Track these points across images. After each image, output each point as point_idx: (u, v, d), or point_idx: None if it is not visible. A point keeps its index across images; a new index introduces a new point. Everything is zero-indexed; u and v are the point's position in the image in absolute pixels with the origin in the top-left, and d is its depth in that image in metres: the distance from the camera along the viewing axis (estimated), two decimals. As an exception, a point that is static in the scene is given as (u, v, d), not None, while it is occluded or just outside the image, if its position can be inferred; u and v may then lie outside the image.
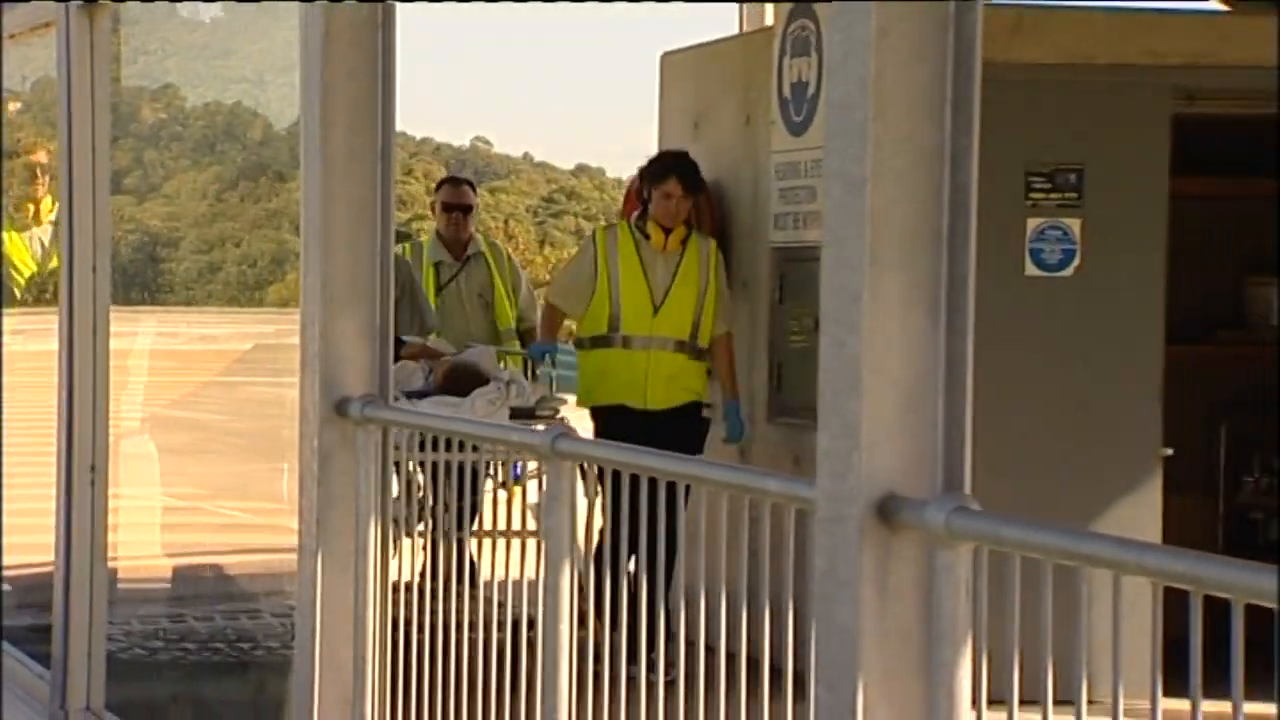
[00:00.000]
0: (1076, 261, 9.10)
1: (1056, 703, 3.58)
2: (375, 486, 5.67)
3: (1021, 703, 3.65)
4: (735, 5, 11.93)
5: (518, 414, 9.17)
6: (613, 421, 9.46)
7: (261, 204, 9.07)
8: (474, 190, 11.10)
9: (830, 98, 3.88)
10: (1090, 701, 3.57)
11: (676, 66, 10.91)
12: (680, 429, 9.32)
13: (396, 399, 7.19)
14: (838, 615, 3.76)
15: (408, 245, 11.17)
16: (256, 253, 9.12)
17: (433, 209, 10.85)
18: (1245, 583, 2.99)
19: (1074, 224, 9.21)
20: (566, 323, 10.76)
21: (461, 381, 9.36)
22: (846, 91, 3.74)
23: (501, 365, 10.18)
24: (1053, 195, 9.26)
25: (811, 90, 9.20)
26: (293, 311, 6.03)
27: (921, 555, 3.71)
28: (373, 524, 5.65)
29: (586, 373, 9.84)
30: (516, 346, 11.08)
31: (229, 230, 9.17)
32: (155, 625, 7.80)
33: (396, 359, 7.41)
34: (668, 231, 9.54)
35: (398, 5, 5.66)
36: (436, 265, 10.95)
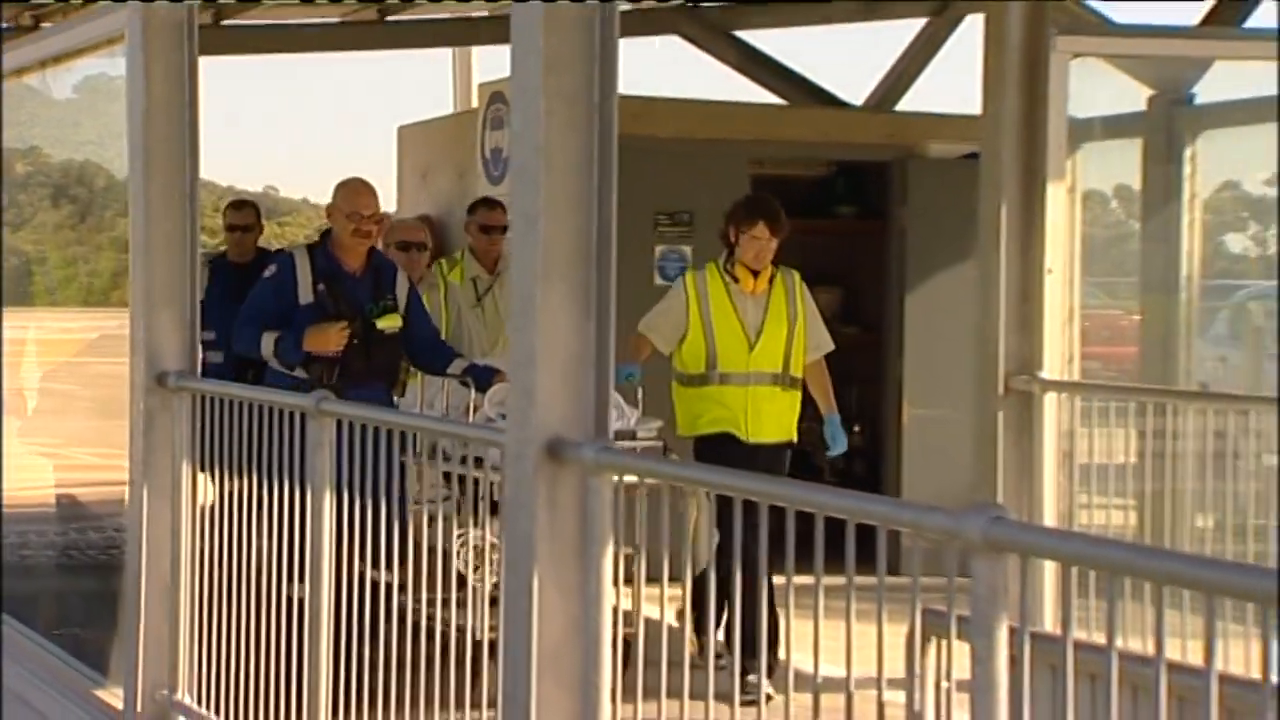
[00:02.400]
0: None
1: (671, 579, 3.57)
2: (185, 436, 5.58)
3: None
4: (450, 93, 11.88)
5: (620, 437, 6.50)
6: (715, 450, 7.15)
7: (105, 233, 8.85)
8: (505, 211, 8.67)
9: (513, 158, 3.89)
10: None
11: (409, 135, 10.82)
12: (775, 463, 7.32)
13: (492, 419, 6.24)
14: (520, 524, 3.75)
15: (455, 266, 8.65)
16: (102, 268, 8.94)
17: (468, 229, 8.65)
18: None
19: (687, 249, 9.41)
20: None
21: None
22: (525, 154, 3.76)
23: None
24: (673, 229, 9.44)
25: (504, 153, 9.22)
26: (127, 310, 5.92)
27: (578, 481, 3.71)
28: (185, 464, 5.58)
29: (688, 406, 7.43)
30: None
31: (81, 252, 9.02)
32: (24, 538, 7.56)
33: (490, 385, 6.64)
34: (755, 274, 7.35)
35: (201, 84, 5.64)
36: (474, 280, 8.60)
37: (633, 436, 6.63)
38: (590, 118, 3.66)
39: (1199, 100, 8.47)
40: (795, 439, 7.50)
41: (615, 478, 3.72)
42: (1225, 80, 8.36)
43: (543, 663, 3.67)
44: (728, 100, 10.21)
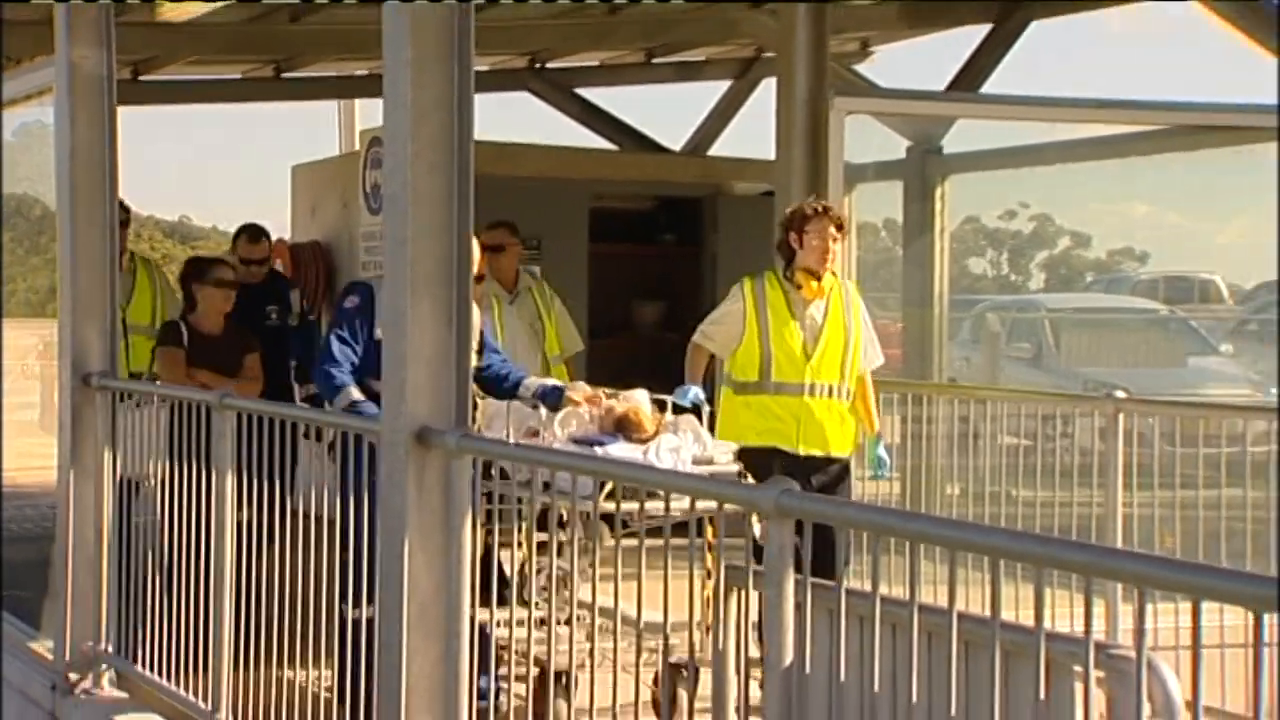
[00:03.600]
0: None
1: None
2: (105, 428, 5.43)
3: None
4: (336, 137, 11.72)
5: (698, 463, 5.14)
6: (761, 463, 5.46)
7: (41, 254, 8.61)
8: (512, 232, 7.46)
9: (386, 193, 3.84)
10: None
11: (301, 173, 10.61)
12: (829, 476, 5.89)
13: (570, 442, 4.97)
14: (394, 501, 3.70)
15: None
16: (40, 284, 8.70)
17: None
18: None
19: (536, 269, 9.25)
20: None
21: (627, 428, 5.14)
22: (395, 189, 3.71)
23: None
24: (528, 251, 9.31)
25: (382, 189, 9.07)
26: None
27: (443, 464, 3.67)
28: (106, 451, 5.42)
29: (736, 414, 5.91)
30: (564, 374, 7.18)
31: (21, 271, 8.77)
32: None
33: (559, 406, 5.20)
34: (818, 280, 5.88)
35: (121, 119, 5.50)
36: (495, 298, 7.36)
37: (710, 463, 5.12)
38: (450, 160, 3.63)
39: (946, 150, 8.65)
40: (851, 453, 6.01)
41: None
42: (967, 134, 8.54)
43: (413, 616, 3.62)
44: (571, 146, 10.20)
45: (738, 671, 3.05)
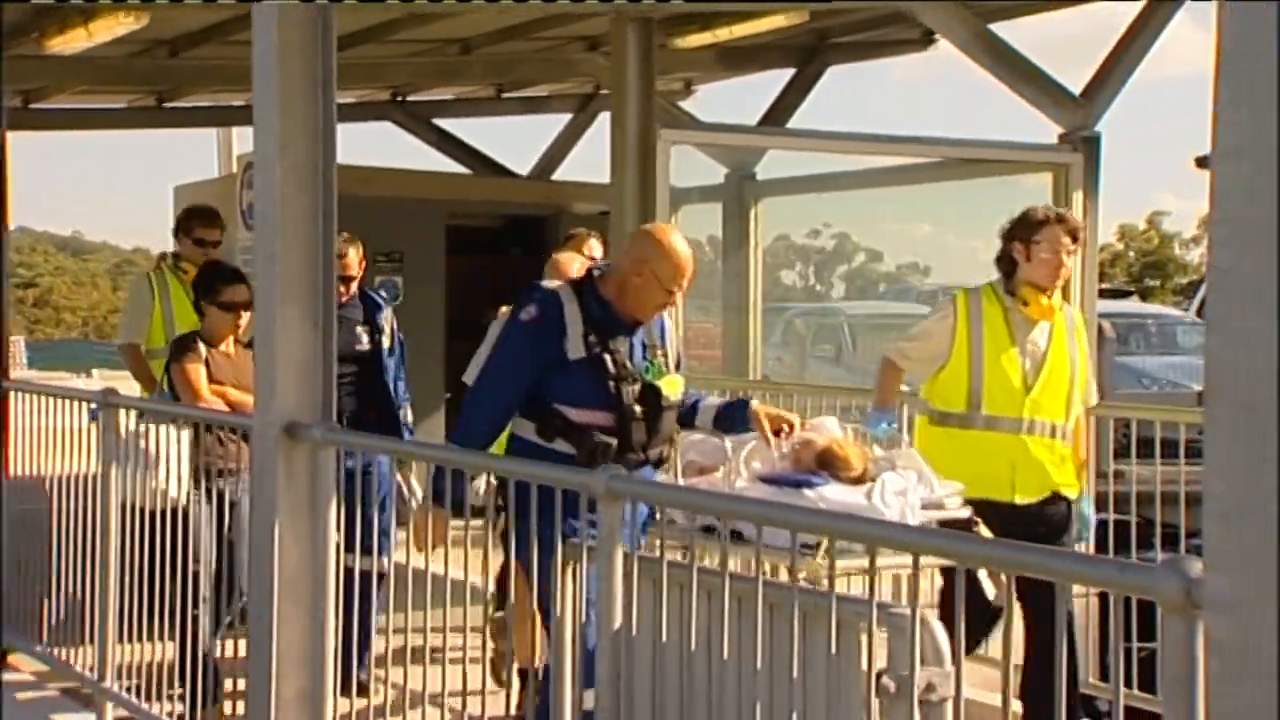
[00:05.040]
0: (401, 296, 9.05)
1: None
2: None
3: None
4: (216, 160, 11.43)
5: (927, 507, 3.73)
6: (977, 514, 3.90)
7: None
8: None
9: (258, 210, 3.76)
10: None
11: (184, 193, 10.29)
12: (1048, 523, 4.40)
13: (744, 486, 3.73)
14: (266, 490, 3.63)
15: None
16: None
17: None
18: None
19: (399, 279, 9.22)
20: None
21: (834, 464, 3.81)
22: (266, 208, 3.64)
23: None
24: (388, 264, 9.22)
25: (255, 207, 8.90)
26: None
27: (309, 454, 3.61)
28: None
29: (940, 449, 4.32)
30: None
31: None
32: None
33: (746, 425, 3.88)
34: (1047, 295, 4.41)
35: (13, 144, 5.28)
36: None
37: (940, 507, 3.74)
38: (315, 182, 3.58)
39: (760, 177, 8.77)
40: (1078, 493, 4.51)
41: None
42: (777, 163, 8.67)
43: (283, 588, 3.56)
44: (430, 170, 10.13)
45: (572, 638, 3.06)
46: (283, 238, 3.58)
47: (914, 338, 4.68)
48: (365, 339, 5.39)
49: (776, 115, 8.69)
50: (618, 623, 2.83)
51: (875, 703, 2.31)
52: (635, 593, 2.84)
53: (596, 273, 3.85)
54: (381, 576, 4.70)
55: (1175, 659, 1.71)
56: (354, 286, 5.38)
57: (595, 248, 5.72)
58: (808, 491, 3.60)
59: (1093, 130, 7.06)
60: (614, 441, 3.68)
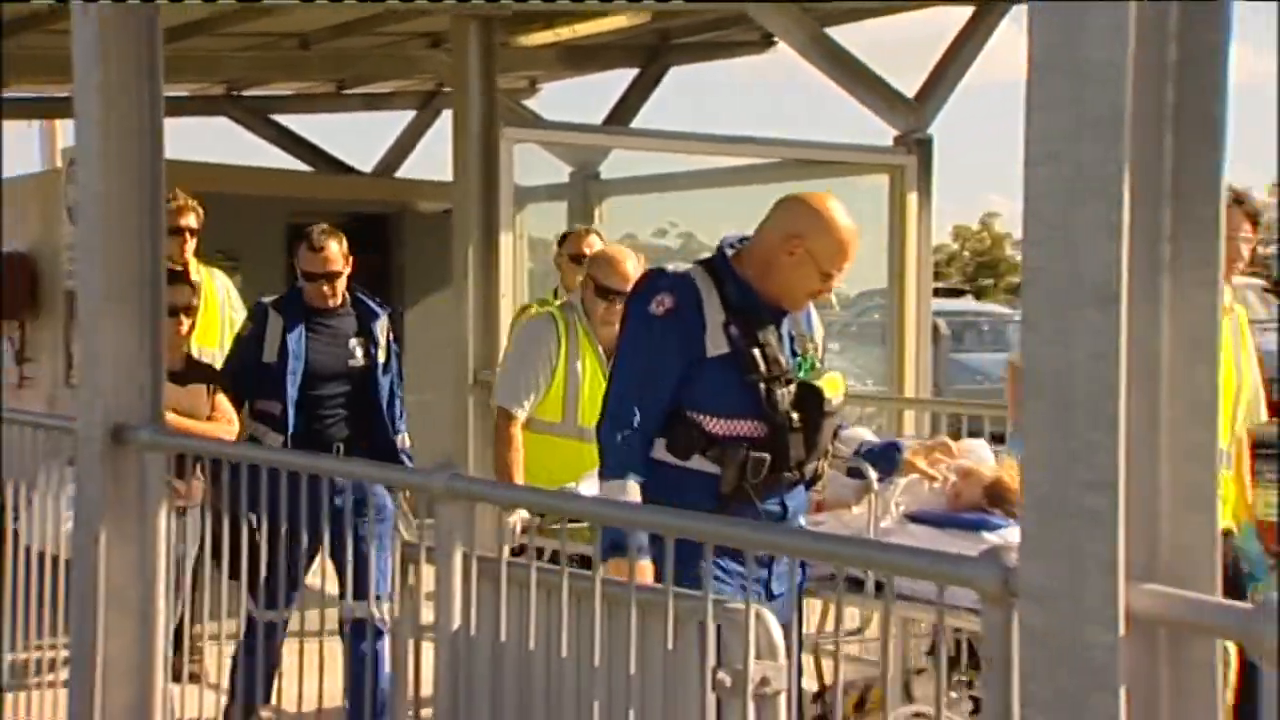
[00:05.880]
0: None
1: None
2: None
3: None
4: (38, 154, 11.00)
5: None
6: None
7: None
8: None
9: (81, 207, 3.62)
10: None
11: (7, 188, 9.93)
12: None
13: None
14: (89, 492, 3.49)
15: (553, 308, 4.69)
16: None
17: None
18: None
19: (238, 277, 8.98)
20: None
21: (1005, 499, 3.23)
22: (89, 203, 3.53)
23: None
24: (226, 262, 8.95)
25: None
26: None
27: (136, 458, 3.48)
28: None
29: None
30: None
31: None
32: None
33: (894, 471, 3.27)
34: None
35: None
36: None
37: None
38: (141, 177, 3.45)
39: (604, 176, 8.80)
40: (1241, 527, 3.63)
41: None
42: (622, 163, 8.71)
43: (110, 596, 3.43)
44: (269, 167, 9.92)
45: (413, 636, 3.02)
46: (105, 234, 3.46)
47: None
48: (359, 353, 4.59)
49: (620, 115, 8.73)
50: (456, 624, 2.80)
51: (711, 697, 2.33)
52: (474, 593, 2.81)
53: (729, 249, 3.07)
54: (379, 632, 3.90)
55: (993, 646, 1.77)
56: (341, 287, 4.61)
57: (596, 245, 5.09)
58: (989, 535, 2.93)
59: (926, 133, 7.26)
60: (767, 457, 2.95)
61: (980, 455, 3.39)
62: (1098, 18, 1.52)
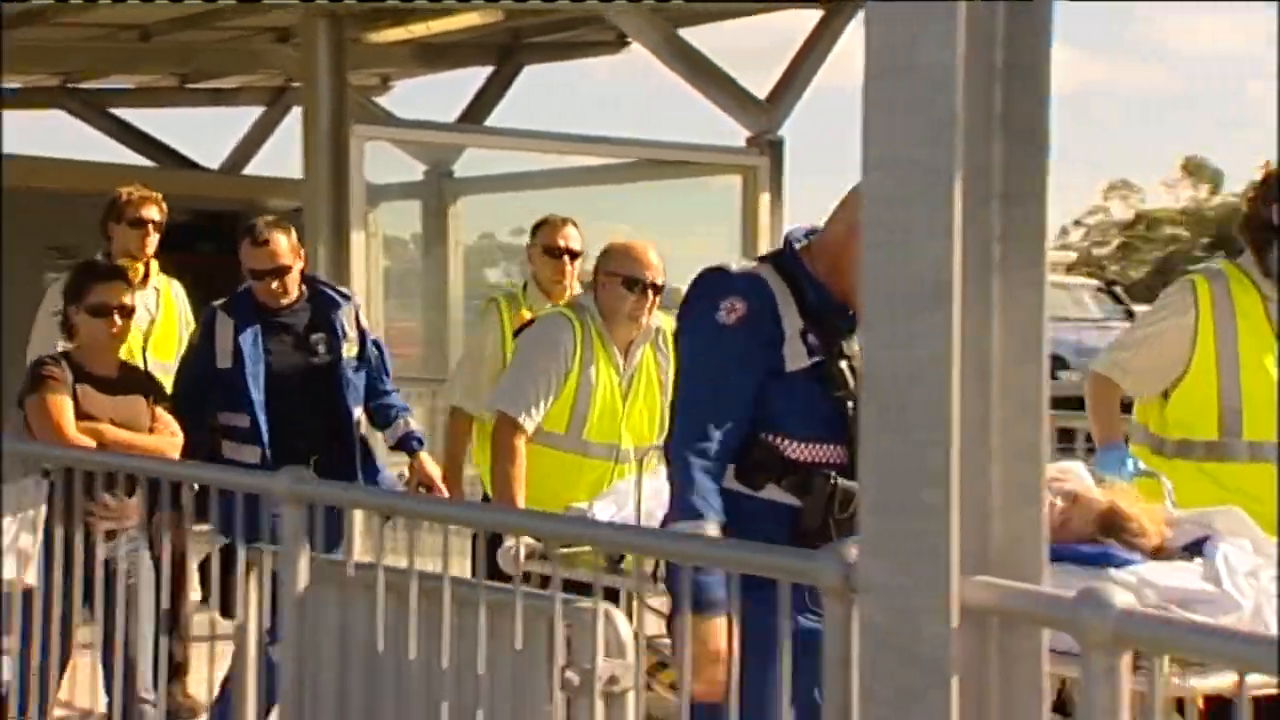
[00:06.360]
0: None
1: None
2: None
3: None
4: None
5: None
6: None
7: None
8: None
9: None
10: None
11: None
12: None
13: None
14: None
15: (502, 300, 4.48)
16: None
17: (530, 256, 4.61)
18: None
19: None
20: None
21: (1122, 529, 2.62)
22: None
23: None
24: (62, 260, 8.63)
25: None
26: None
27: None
28: None
29: (1196, 493, 3.02)
30: None
31: None
32: None
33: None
34: None
35: None
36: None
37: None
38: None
39: (459, 174, 8.74)
40: None
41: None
42: (478, 161, 8.66)
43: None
44: (109, 162, 9.59)
45: (258, 643, 2.94)
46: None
47: (1136, 344, 3.36)
48: (322, 348, 4.11)
49: (475, 113, 8.67)
50: (300, 628, 2.74)
51: (560, 696, 2.32)
52: (319, 597, 2.76)
53: (797, 244, 2.63)
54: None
55: (834, 641, 1.79)
56: (293, 283, 4.12)
57: (573, 237, 4.48)
58: (1116, 572, 2.47)
59: (777, 134, 7.37)
60: (856, 485, 2.33)
61: (1078, 474, 2.91)
62: (930, 22, 1.55)
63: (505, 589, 2.50)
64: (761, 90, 7.37)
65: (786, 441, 2.53)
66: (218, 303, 4.26)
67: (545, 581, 2.63)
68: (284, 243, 4.12)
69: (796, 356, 2.52)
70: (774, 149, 7.33)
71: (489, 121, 8.57)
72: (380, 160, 7.21)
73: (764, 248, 7.41)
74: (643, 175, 8.15)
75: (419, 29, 7.73)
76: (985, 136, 1.59)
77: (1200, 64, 56.42)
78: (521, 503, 3.62)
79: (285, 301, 4.12)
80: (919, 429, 1.60)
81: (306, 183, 6.66)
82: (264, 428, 3.99)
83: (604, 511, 3.13)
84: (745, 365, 2.49)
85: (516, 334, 4.01)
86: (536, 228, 4.54)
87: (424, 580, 2.60)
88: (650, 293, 3.74)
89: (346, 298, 4.25)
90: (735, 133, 7.38)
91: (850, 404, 2.50)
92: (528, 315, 4.21)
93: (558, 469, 3.79)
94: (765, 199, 7.37)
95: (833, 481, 2.51)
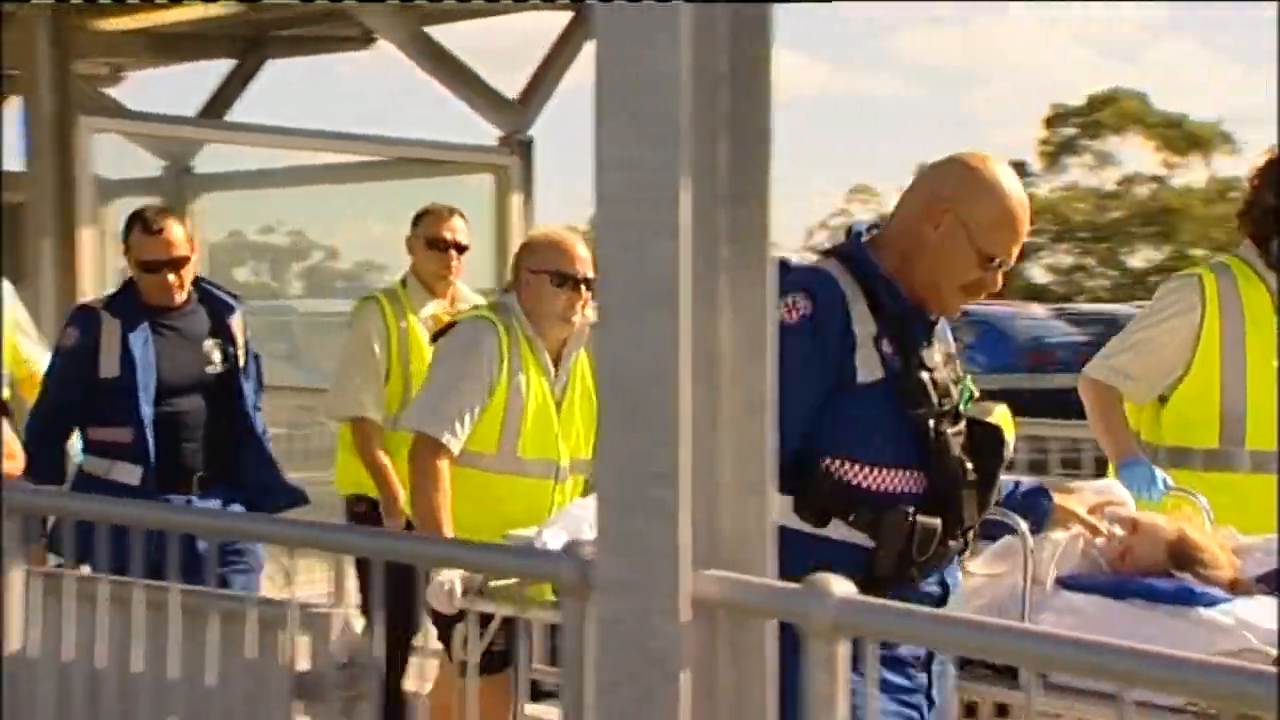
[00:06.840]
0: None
1: None
2: None
3: None
4: None
5: None
6: None
7: None
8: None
9: None
10: None
11: None
12: None
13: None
14: None
15: (382, 298, 4.12)
16: None
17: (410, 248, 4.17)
18: None
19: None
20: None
21: (1193, 560, 2.40)
22: None
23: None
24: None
25: None
26: None
27: None
28: None
29: (1174, 507, 2.71)
30: None
31: None
32: None
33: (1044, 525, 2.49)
34: None
35: None
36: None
37: None
38: None
39: (199, 170, 8.41)
40: None
41: None
42: (220, 157, 8.35)
43: None
44: None
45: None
46: None
47: (1134, 347, 3.04)
48: (217, 356, 3.65)
49: (216, 108, 8.35)
50: (15, 647, 2.58)
51: (298, 704, 2.26)
52: (39, 611, 2.60)
53: (863, 236, 2.28)
54: None
55: (571, 638, 1.80)
56: (188, 278, 3.60)
57: (460, 229, 4.15)
58: (1207, 612, 2.22)
59: (527, 134, 7.38)
60: (937, 523, 2.15)
61: (1118, 494, 2.64)
62: (655, 27, 1.57)
63: (239, 597, 2.41)
64: (512, 90, 7.37)
65: (855, 467, 2.15)
66: (92, 301, 3.75)
67: (485, 619, 2.43)
68: (179, 231, 3.60)
69: (870, 366, 2.14)
70: (524, 149, 7.34)
71: (231, 116, 8.27)
72: (113, 154, 6.88)
73: (515, 248, 7.40)
74: (395, 174, 8.02)
75: (148, 18, 7.39)
76: (711, 139, 1.62)
77: (932, 75, 59.93)
78: (450, 531, 3.11)
79: (178, 300, 3.59)
80: (651, 427, 1.62)
81: (29, 176, 6.29)
82: (151, 444, 3.49)
83: (555, 539, 2.68)
84: (808, 373, 2.10)
85: (433, 340, 3.51)
86: (418, 218, 4.13)
87: (149, 591, 2.49)
88: (583, 288, 3.26)
89: (237, 299, 3.77)
90: (492, 132, 7.37)
91: (932, 423, 2.15)
92: (446, 319, 3.74)
93: (489, 493, 3.27)
94: (517, 199, 7.37)
95: (911, 518, 2.14)
